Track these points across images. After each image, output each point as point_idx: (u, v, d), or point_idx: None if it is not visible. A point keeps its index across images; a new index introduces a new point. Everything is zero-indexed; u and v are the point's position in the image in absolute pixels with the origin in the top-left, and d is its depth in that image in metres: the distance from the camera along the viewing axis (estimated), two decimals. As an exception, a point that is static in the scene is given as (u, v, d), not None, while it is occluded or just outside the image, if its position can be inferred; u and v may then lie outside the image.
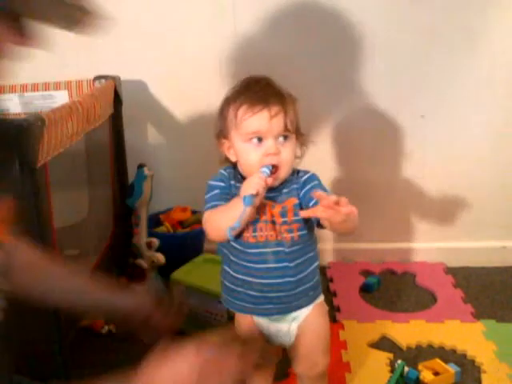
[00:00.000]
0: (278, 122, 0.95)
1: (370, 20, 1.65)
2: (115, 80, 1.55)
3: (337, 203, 0.85)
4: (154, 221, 1.77)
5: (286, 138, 0.97)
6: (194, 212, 1.83)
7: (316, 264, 1.05)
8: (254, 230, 0.98)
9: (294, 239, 0.98)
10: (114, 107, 1.54)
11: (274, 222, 0.97)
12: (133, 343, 1.46)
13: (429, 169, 1.78)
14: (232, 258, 1.02)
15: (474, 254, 1.84)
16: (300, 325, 1.04)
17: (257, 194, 0.90)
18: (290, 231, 0.98)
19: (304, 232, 0.99)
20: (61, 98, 1.56)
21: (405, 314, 1.58)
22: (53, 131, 1.03)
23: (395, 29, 1.66)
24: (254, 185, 0.91)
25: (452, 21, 1.64)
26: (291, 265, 0.99)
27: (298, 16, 1.67)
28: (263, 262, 0.99)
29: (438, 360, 1.31)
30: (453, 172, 1.78)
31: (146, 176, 1.53)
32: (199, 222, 1.78)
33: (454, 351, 1.40)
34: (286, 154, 0.96)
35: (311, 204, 0.95)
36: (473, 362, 1.35)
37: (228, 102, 0.99)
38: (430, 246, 1.87)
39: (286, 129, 0.96)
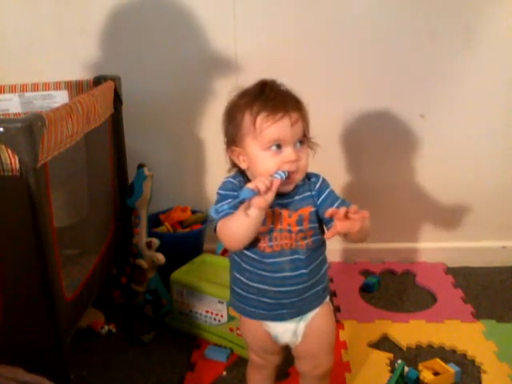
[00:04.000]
0: (298, 129, 0.94)
1: (371, 21, 1.66)
2: (115, 80, 1.55)
3: (346, 213, 0.87)
4: (154, 221, 1.77)
5: (301, 143, 0.96)
6: (193, 212, 1.83)
7: (326, 266, 1.05)
8: (270, 240, 0.97)
9: (309, 245, 0.98)
10: (114, 107, 1.54)
11: (289, 231, 0.97)
12: (133, 343, 1.48)
13: (428, 169, 1.78)
14: (245, 265, 1.01)
15: (474, 254, 1.84)
16: (308, 324, 1.04)
17: (257, 191, 0.86)
18: (305, 238, 0.98)
19: (317, 237, 0.99)
20: (61, 98, 1.56)
21: (405, 314, 1.58)
22: (53, 131, 1.03)
23: (395, 29, 1.66)
24: (256, 181, 0.88)
25: (452, 21, 1.65)
26: (306, 271, 0.99)
27: (300, 20, 1.67)
28: (280, 271, 0.98)
29: (438, 360, 1.31)
30: (453, 172, 1.78)
31: (146, 176, 1.53)
32: (199, 222, 1.80)
33: (453, 351, 1.40)
34: (303, 160, 0.96)
35: (330, 224, 0.95)
36: (473, 361, 1.35)
37: (241, 108, 0.95)
38: (430, 246, 1.87)
39: (304, 135, 0.95)
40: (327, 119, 1.68)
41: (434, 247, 1.87)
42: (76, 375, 1.20)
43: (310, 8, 1.66)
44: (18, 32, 1.74)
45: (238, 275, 1.03)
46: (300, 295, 1.00)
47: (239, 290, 1.04)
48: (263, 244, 0.97)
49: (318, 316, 1.04)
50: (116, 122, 1.58)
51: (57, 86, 1.57)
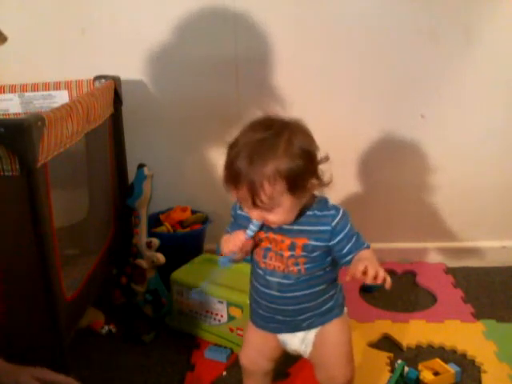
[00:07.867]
0: (249, 200, 0.89)
1: (371, 21, 1.66)
2: (115, 80, 1.55)
3: (364, 273, 0.89)
4: (154, 221, 1.77)
5: (266, 209, 0.91)
6: (193, 212, 1.83)
7: (331, 293, 1.04)
8: (265, 257, 1.00)
9: (301, 272, 0.98)
10: (114, 107, 1.54)
11: (281, 255, 0.97)
12: (133, 343, 1.47)
13: (428, 169, 1.78)
14: (252, 274, 1.05)
15: (474, 254, 1.84)
16: (317, 333, 1.03)
17: (232, 254, 0.96)
18: (297, 264, 0.98)
19: (312, 265, 0.98)
20: (61, 98, 1.56)
21: (405, 314, 1.58)
22: (53, 131, 1.03)
23: (395, 29, 1.66)
24: (226, 249, 0.96)
25: (451, 21, 1.65)
26: (293, 294, 1.00)
27: (300, 20, 1.67)
28: (269, 288, 1.01)
29: (438, 360, 1.31)
30: (452, 171, 1.78)
31: (146, 176, 1.53)
32: (199, 222, 1.80)
33: (454, 351, 1.40)
34: (272, 218, 0.92)
35: (344, 259, 0.98)
36: (473, 361, 1.35)
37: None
38: (430, 246, 1.87)
39: (261, 206, 0.90)
40: (326, 119, 1.68)
41: (434, 247, 1.87)
42: (76, 375, 1.20)
43: (310, 8, 1.66)
44: (18, 32, 1.73)
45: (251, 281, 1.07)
46: (292, 316, 1.01)
47: (250, 296, 1.08)
48: (258, 258, 1.01)
49: (328, 327, 1.03)
50: (116, 121, 1.58)
51: (57, 85, 1.57)
